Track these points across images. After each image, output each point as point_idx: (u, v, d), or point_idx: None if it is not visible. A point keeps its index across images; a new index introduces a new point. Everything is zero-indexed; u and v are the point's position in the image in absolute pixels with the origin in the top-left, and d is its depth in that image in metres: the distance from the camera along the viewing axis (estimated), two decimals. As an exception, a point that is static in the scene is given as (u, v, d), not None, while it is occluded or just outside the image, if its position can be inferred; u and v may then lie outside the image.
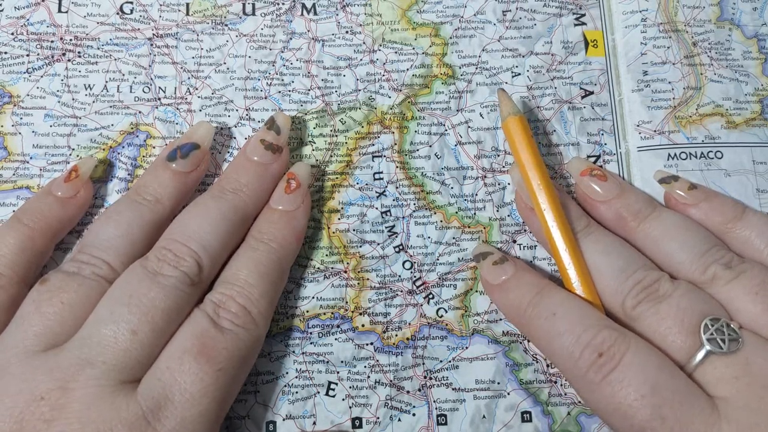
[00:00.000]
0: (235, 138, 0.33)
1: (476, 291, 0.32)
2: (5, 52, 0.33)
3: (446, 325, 0.32)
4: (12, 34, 0.34)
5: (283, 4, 0.35)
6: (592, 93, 0.35)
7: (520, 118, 0.31)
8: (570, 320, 0.27)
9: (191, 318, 0.27)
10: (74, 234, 0.31)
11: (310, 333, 0.31)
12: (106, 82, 0.33)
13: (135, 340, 0.25)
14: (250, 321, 0.27)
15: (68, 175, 0.30)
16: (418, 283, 0.32)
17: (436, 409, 0.31)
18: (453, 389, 0.31)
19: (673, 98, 0.35)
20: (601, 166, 0.33)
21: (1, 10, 0.34)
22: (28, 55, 0.33)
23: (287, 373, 0.31)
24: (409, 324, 0.32)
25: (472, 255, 0.32)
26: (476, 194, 0.33)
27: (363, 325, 0.31)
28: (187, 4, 0.35)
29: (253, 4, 0.35)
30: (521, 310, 0.29)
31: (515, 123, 0.31)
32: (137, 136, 0.33)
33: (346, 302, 0.32)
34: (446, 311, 0.32)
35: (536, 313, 0.28)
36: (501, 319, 0.32)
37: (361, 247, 0.32)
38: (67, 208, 0.30)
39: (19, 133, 0.33)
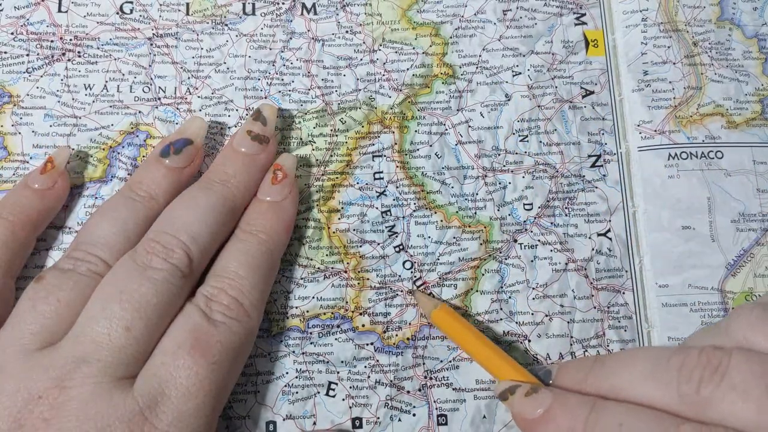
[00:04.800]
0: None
1: (477, 291, 0.32)
2: (5, 52, 0.33)
3: (447, 324, 0.32)
4: (12, 33, 0.34)
5: (283, 3, 0.35)
6: (592, 92, 0.35)
7: (443, 307, 0.31)
8: (642, 427, 0.24)
9: (183, 312, 0.27)
10: (64, 230, 0.31)
11: (310, 333, 0.31)
12: (106, 81, 0.33)
13: (129, 337, 0.25)
14: (242, 313, 0.27)
15: (44, 166, 0.30)
16: (419, 282, 0.32)
17: (437, 409, 0.31)
18: (453, 389, 0.31)
19: (674, 98, 0.35)
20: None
21: (1, 10, 0.34)
22: (27, 55, 0.33)
23: (287, 373, 0.31)
24: (410, 324, 0.32)
25: (497, 394, 0.28)
26: (477, 193, 0.33)
27: (363, 325, 0.31)
28: (187, 4, 0.35)
29: (253, 4, 0.35)
30: None
31: (442, 314, 0.30)
32: (137, 136, 0.33)
33: (347, 302, 0.32)
34: (447, 311, 0.32)
35: (600, 430, 0.25)
36: (501, 319, 0.32)
37: (361, 246, 0.32)
38: (45, 200, 0.30)
39: (19, 133, 0.32)
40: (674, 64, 0.35)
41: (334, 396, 0.30)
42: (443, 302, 0.31)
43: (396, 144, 0.34)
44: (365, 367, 0.31)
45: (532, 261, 0.33)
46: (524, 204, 0.33)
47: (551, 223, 0.33)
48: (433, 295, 0.32)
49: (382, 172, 0.33)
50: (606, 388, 0.26)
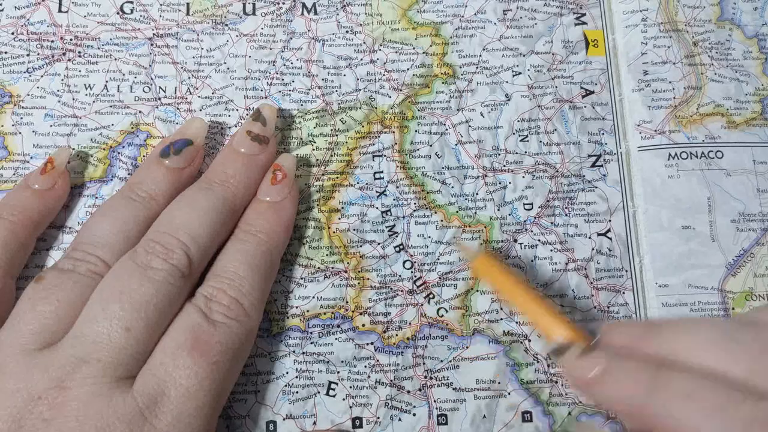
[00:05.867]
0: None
1: (477, 290, 0.32)
2: (5, 52, 0.33)
3: (447, 324, 0.32)
4: (12, 33, 0.34)
5: (283, 3, 0.35)
6: (592, 92, 0.35)
7: (486, 253, 0.29)
8: (713, 398, 0.22)
9: (183, 312, 0.27)
10: (65, 230, 0.31)
11: (311, 333, 0.31)
12: (107, 81, 0.33)
13: (129, 337, 0.25)
14: (242, 313, 0.27)
15: (44, 167, 0.30)
16: (419, 282, 0.32)
17: (437, 408, 0.31)
18: (453, 389, 0.31)
19: (674, 98, 0.35)
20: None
21: (2, 10, 0.34)
22: (28, 55, 0.33)
23: (287, 372, 0.31)
24: (410, 324, 0.32)
25: (548, 352, 0.26)
26: (477, 193, 0.33)
27: (363, 325, 0.31)
28: (188, 4, 0.35)
29: (254, 4, 0.35)
30: (640, 398, 0.23)
31: (484, 262, 0.29)
32: (137, 136, 0.33)
33: (347, 302, 0.32)
34: (447, 311, 0.32)
35: (665, 397, 0.23)
36: (501, 319, 0.32)
37: (361, 246, 0.32)
38: (45, 200, 0.30)
39: (20, 133, 0.33)
40: (674, 64, 0.35)
41: (334, 396, 0.31)
42: (485, 248, 0.30)
43: (396, 144, 0.34)
44: (365, 366, 0.31)
45: (532, 261, 0.33)
46: (524, 204, 0.33)
47: (551, 223, 0.33)
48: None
49: (382, 172, 0.33)
50: (664, 352, 0.24)
